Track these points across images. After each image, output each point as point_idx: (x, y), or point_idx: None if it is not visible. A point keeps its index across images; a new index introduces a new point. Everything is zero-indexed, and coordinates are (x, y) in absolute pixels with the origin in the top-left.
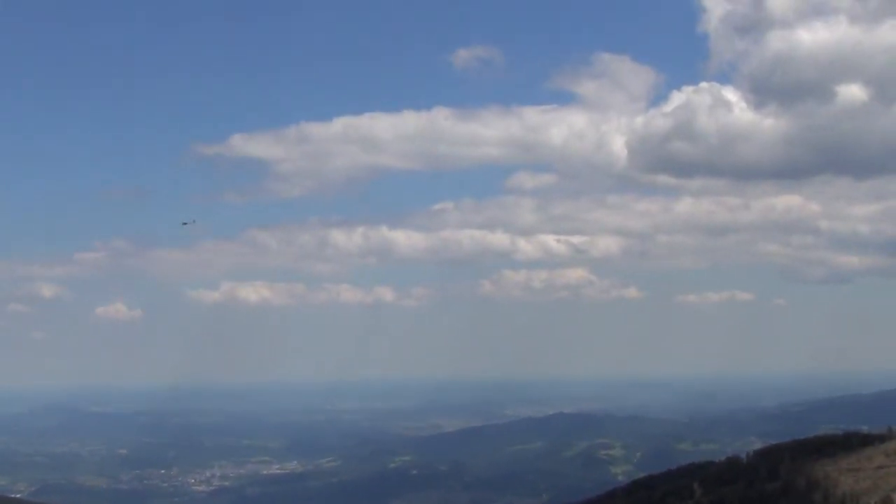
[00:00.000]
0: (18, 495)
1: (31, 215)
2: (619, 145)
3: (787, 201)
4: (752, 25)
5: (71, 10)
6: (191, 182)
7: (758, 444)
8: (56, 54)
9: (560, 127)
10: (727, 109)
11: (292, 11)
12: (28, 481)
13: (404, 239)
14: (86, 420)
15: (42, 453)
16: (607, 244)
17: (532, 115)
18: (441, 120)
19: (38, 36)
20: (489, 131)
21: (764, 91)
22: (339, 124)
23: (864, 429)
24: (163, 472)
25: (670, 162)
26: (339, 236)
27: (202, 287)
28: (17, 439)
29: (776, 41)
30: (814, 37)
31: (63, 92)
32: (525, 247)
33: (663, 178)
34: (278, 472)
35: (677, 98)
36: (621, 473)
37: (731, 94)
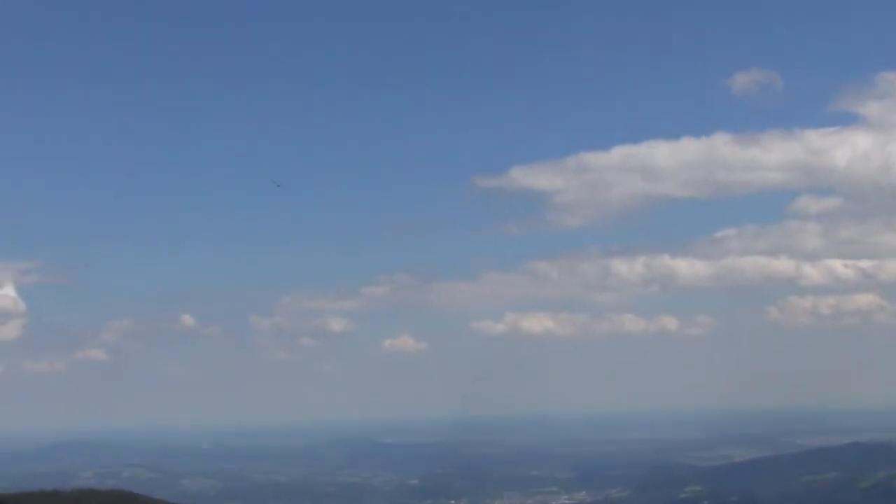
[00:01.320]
0: None
1: (319, 251)
2: None
3: None
4: None
5: (387, 66)
6: (472, 215)
7: None
8: (350, 96)
9: (844, 149)
10: None
11: (569, 42)
12: None
13: (687, 267)
14: (376, 451)
15: (335, 483)
16: None
17: (814, 138)
18: (721, 146)
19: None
20: (770, 156)
21: None
22: (618, 153)
23: None
24: (452, 502)
25: None
26: (620, 265)
27: (486, 318)
28: (313, 470)
29: None
30: None
31: (346, 127)
32: (811, 272)
33: None
34: (567, 502)
35: None
36: None
37: None
